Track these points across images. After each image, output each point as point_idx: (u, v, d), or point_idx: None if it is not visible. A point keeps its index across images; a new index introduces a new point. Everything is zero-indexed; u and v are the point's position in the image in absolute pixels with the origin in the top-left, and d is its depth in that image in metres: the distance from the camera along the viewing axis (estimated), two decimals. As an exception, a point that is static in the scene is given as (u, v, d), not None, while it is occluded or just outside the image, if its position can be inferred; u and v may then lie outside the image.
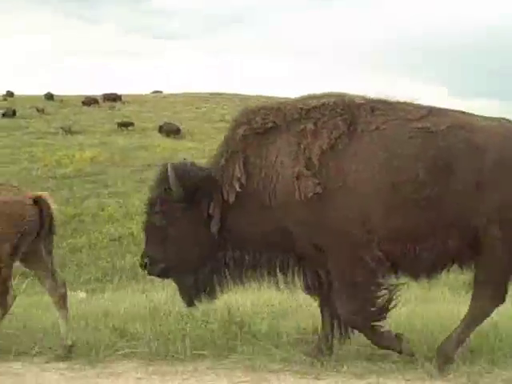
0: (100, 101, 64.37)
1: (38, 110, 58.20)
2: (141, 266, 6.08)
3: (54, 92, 68.60)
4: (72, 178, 37.18)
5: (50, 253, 6.30)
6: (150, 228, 6.03)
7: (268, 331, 6.03)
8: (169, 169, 5.82)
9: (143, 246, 6.10)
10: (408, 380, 5.09)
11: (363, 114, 5.70)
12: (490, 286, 5.44)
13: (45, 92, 68.23)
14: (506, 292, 5.54)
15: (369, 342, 5.62)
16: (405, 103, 5.89)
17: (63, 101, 65.13)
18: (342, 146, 5.53)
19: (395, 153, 5.43)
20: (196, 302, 6.00)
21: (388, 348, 5.58)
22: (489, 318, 5.57)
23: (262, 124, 5.81)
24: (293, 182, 5.50)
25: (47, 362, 5.66)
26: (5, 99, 65.02)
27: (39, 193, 6.32)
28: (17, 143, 45.94)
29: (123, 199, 32.68)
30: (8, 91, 69.39)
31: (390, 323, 5.72)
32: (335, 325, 5.83)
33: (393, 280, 5.75)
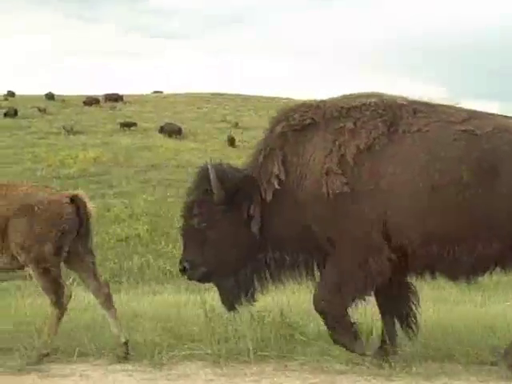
0: (101, 101, 64.29)
1: (39, 110, 58.08)
2: (180, 271, 6.00)
3: (54, 92, 68.53)
4: (76, 179, 37.09)
5: (90, 252, 6.28)
6: (188, 232, 5.98)
7: (321, 332, 5.96)
8: (210, 170, 5.79)
9: (182, 250, 6.04)
10: (481, 382, 5.08)
11: (405, 115, 5.69)
12: None
13: (44, 92, 68.21)
14: None
15: (432, 344, 5.65)
16: (446, 106, 5.91)
17: (64, 101, 65.05)
18: (380, 147, 5.52)
19: (438, 155, 5.41)
20: (237, 306, 5.95)
21: (344, 345, 5.57)
22: None
23: (300, 121, 5.82)
24: (321, 178, 5.51)
25: (110, 364, 5.63)
26: (6, 99, 64.88)
27: (75, 191, 6.35)
28: (19, 143, 45.86)
29: (128, 200, 32.66)
30: (9, 91, 69.24)
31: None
32: (398, 324, 5.82)
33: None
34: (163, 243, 27.05)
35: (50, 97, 66.86)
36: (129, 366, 5.54)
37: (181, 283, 22.99)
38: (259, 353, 5.70)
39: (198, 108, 63.25)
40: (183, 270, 6.00)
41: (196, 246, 5.89)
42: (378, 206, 5.39)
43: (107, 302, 6.17)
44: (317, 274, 5.79)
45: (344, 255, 5.45)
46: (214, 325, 6.20)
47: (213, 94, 69.39)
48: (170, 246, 26.56)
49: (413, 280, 5.85)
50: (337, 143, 5.59)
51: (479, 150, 5.42)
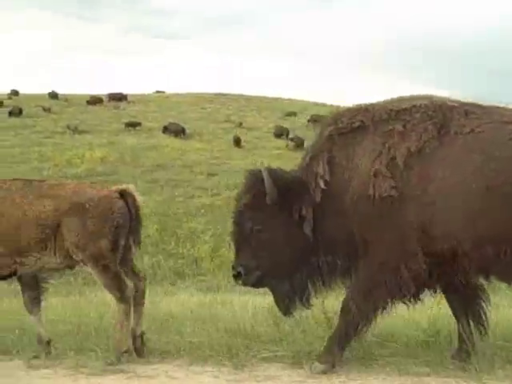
0: (105, 100, 64.25)
1: (44, 110, 58.04)
2: (234, 276, 5.95)
3: (56, 91, 68.48)
4: (83, 178, 37.04)
5: (131, 248, 6.28)
6: (240, 236, 5.96)
7: (395, 333, 5.97)
8: (263, 172, 5.81)
9: (235, 255, 6.02)
10: None
11: (456, 116, 5.69)
12: None
13: (46, 91, 68.18)
14: None
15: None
16: (498, 107, 5.91)
17: (68, 100, 65.00)
18: (431, 150, 5.49)
19: (493, 155, 5.38)
20: (292, 310, 5.94)
21: (332, 347, 5.54)
22: None
23: (349, 124, 5.83)
24: (369, 180, 5.49)
25: (191, 364, 5.61)
26: (10, 98, 64.82)
27: (124, 186, 6.34)
28: (25, 142, 45.81)
29: (137, 199, 32.62)
30: (12, 90, 69.16)
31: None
32: (474, 324, 5.78)
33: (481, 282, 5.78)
34: (173, 243, 27.10)
35: (53, 96, 66.80)
36: (209, 368, 5.52)
37: (192, 283, 23.08)
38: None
39: (201, 108, 63.21)
40: (238, 276, 5.95)
41: (249, 251, 5.87)
42: (423, 210, 5.36)
43: (140, 297, 6.20)
44: None
45: (378, 258, 5.43)
46: (282, 326, 6.20)
47: (216, 94, 69.39)
48: (180, 246, 26.60)
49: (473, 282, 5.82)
50: (386, 146, 5.58)
51: None
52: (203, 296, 11.24)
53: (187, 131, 51.64)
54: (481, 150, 5.46)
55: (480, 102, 5.95)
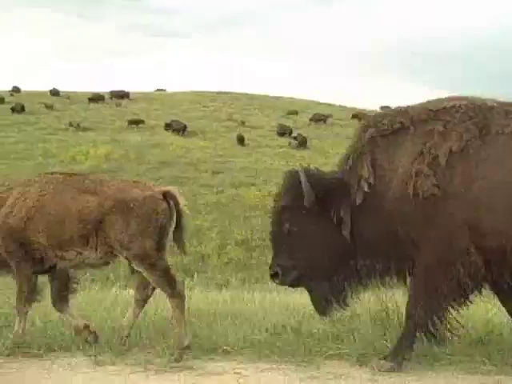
0: (107, 98, 64.25)
1: (46, 107, 58.05)
2: (271, 276, 5.94)
3: (58, 88, 68.40)
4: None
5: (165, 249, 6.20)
6: (278, 236, 5.96)
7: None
8: (300, 174, 5.81)
9: (272, 255, 6.02)
10: None
11: (496, 116, 5.72)
12: None
13: (47, 88, 68.13)
14: None
15: None
16: None
17: (69, 97, 64.98)
18: (473, 149, 5.53)
19: None
20: (329, 311, 5.94)
21: (399, 350, 5.55)
22: None
23: (390, 126, 5.82)
24: (410, 179, 5.50)
25: (256, 361, 5.60)
26: (11, 94, 64.76)
27: (167, 187, 6.30)
28: (29, 139, 45.87)
29: (143, 196, 32.72)
30: (14, 87, 69.10)
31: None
32: None
33: None
34: (180, 240, 27.17)
35: (54, 93, 66.77)
36: (274, 365, 5.51)
37: (200, 280, 23.11)
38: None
39: (203, 106, 63.23)
40: (275, 275, 5.98)
41: (287, 251, 5.89)
42: (468, 208, 5.40)
43: (143, 301, 6.23)
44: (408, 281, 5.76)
45: (431, 258, 5.45)
46: (338, 325, 6.20)
47: (218, 93, 69.42)
48: (188, 243, 26.68)
49: None
50: (427, 145, 5.61)
51: None
52: (218, 293, 11.16)
53: (190, 129, 51.73)
54: None
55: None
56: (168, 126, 51.20)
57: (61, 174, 6.47)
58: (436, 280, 5.46)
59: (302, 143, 49.68)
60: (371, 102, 68.82)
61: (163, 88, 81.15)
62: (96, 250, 6.04)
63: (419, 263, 5.54)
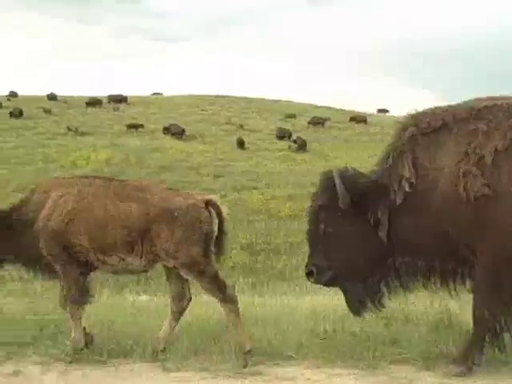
0: (105, 102, 64.15)
1: (45, 111, 57.90)
2: (307, 274, 5.96)
3: (54, 92, 68.26)
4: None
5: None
6: (314, 236, 5.98)
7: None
8: (335, 176, 5.80)
9: (308, 254, 6.01)
10: None
11: None
12: None
13: (44, 92, 68.06)
14: None
15: None
16: None
17: (67, 101, 64.86)
18: None
19: None
20: (364, 311, 5.93)
21: (468, 359, 5.50)
22: None
23: (430, 124, 5.80)
24: (458, 181, 5.48)
25: (323, 366, 5.55)
26: (9, 99, 64.58)
27: (209, 196, 6.32)
28: (29, 144, 45.68)
29: (146, 201, 32.64)
30: (11, 91, 68.95)
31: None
32: None
33: None
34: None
35: (52, 97, 66.65)
36: (339, 369, 5.46)
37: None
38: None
39: (202, 110, 63.20)
40: (310, 274, 5.99)
41: (322, 251, 5.90)
42: None
43: (179, 313, 6.21)
44: (451, 283, 5.77)
45: (491, 260, 5.41)
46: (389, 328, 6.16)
47: (216, 96, 69.43)
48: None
49: None
50: (472, 146, 5.59)
51: None
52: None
53: (188, 133, 51.67)
54: None
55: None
56: (166, 130, 51.14)
57: (99, 178, 6.45)
58: (498, 281, 5.42)
59: (302, 146, 49.69)
60: (370, 105, 69.08)
61: (160, 92, 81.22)
62: (141, 257, 6.02)
63: (478, 264, 5.51)
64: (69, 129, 50.78)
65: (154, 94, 79.49)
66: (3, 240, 6.26)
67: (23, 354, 5.96)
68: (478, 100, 6.08)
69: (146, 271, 6.29)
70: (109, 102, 64.39)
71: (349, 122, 62.28)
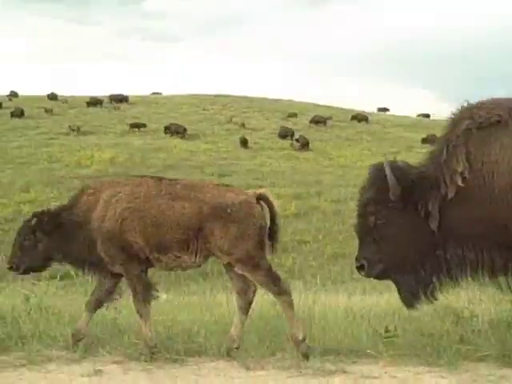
0: (106, 101, 64.07)
1: (46, 111, 57.84)
2: (357, 268, 5.95)
3: (54, 92, 68.17)
4: (95, 179, 37.07)
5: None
6: (364, 229, 5.92)
7: None
8: (386, 168, 5.76)
9: (358, 247, 5.92)
10: None
11: None
12: None
13: (44, 92, 67.95)
14: None
15: None
16: None
17: (67, 101, 64.79)
18: None
19: None
20: (417, 303, 5.88)
21: None
22: None
23: (487, 118, 5.74)
24: None
25: (393, 364, 5.54)
26: (10, 99, 64.48)
27: (260, 190, 6.31)
28: (32, 143, 45.66)
29: (153, 200, 32.64)
30: (12, 91, 68.85)
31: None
32: None
33: None
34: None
35: (52, 97, 66.56)
36: (423, 367, 5.43)
37: (215, 283, 23.05)
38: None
39: (203, 109, 63.21)
40: (361, 268, 5.99)
41: (373, 244, 5.85)
42: None
43: (246, 308, 6.16)
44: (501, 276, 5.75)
45: None
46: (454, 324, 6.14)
47: (216, 96, 69.41)
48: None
49: None
50: None
51: None
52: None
53: (191, 132, 51.66)
54: None
55: None
56: (167, 129, 51.10)
57: (150, 177, 6.45)
58: None
59: (305, 145, 49.76)
60: (369, 104, 69.16)
61: (159, 92, 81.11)
62: (196, 255, 6.02)
63: None
64: (71, 128, 50.76)
65: (154, 93, 79.40)
66: (53, 239, 6.28)
67: (94, 353, 5.95)
68: None
69: (199, 266, 6.25)
70: (110, 102, 64.31)
71: (350, 120, 62.36)
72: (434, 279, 5.85)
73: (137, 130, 52.11)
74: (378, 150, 51.97)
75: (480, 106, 6.04)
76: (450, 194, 5.71)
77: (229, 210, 5.95)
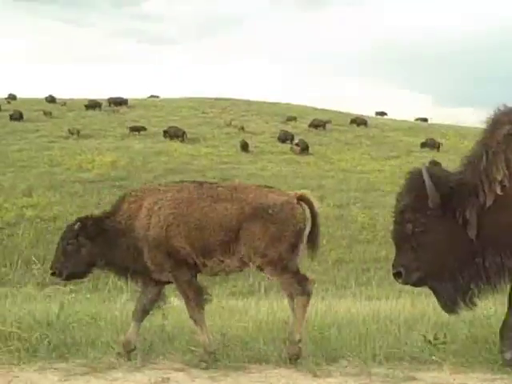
0: (105, 104, 63.86)
1: (45, 114, 57.66)
2: (394, 275, 5.91)
3: (52, 95, 67.94)
4: (97, 183, 37.01)
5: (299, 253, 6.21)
6: (401, 237, 5.91)
7: None
8: (425, 175, 5.73)
9: (395, 254, 5.96)
10: None
11: None
12: None
13: (42, 95, 67.72)
14: None
15: None
16: None
17: (66, 104, 64.57)
18: None
19: None
20: (457, 310, 5.90)
21: None
22: None
23: None
24: None
25: (455, 373, 5.53)
26: (8, 102, 64.23)
27: (301, 191, 6.32)
28: (32, 146, 45.51)
29: (156, 204, 32.60)
30: (10, 94, 68.56)
31: None
32: None
33: None
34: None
35: (50, 100, 66.32)
36: (488, 375, 5.41)
37: (225, 288, 22.96)
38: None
39: (202, 113, 63.08)
40: (398, 275, 5.97)
41: (410, 251, 5.84)
42: None
43: (302, 307, 6.05)
44: None
45: None
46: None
47: (216, 99, 69.29)
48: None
49: None
50: None
51: None
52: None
53: (191, 136, 51.57)
54: None
55: None
56: (166, 133, 50.99)
57: (191, 182, 6.46)
58: None
59: (305, 149, 49.76)
60: (366, 108, 69.18)
61: (156, 95, 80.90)
62: (232, 257, 6.04)
63: None
64: (70, 132, 50.60)
65: (152, 96, 79.21)
66: (96, 245, 6.27)
67: (150, 360, 5.95)
68: None
69: (240, 271, 6.30)
70: (109, 105, 64.13)
71: (349, 124, 62.39)
72: (473, 286, 5.85)
73: (137, 133, 51.97)
74: (377, 154, 52.06)
75: None
76: (489, 202, 5.67)
77: (270, 211, 5.97)
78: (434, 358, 5.80)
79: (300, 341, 5.86)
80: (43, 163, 40.99)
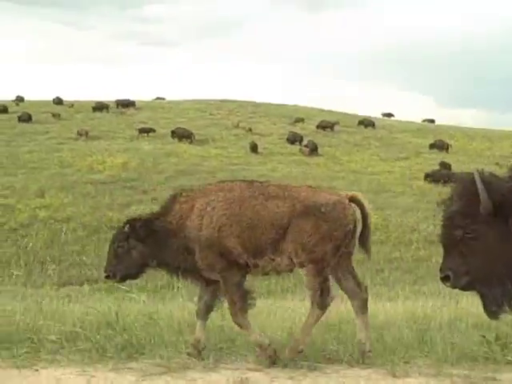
0: (112, 106, 63.93)
1: (53, 115, 57.76)
2: (442, 279, 5.98)
3: (59, 97, 68.05)
4: (109, 184, 37.05)
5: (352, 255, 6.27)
6: (450, 241, 5.82)
7: None
8: (477, 180, 5.67)
9: (443, 258, 5.99)
10: None
11: None
12: None
13: (49, 97, 67.84)
14: None
15: None
16: None
17: (73, 106, 64.67)
18: None
19: None
20: (500, 314, 5.96)
21: None
22: None
23: None
24: None
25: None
26: (17, 104, 64.35)
27: (353, 192, 6.33)
28: (43, 148, 45.60)
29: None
30: (18, 96, 68.68)
31: None
32: None
33: None
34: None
35: (58, 102, 66.42)
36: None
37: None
38: None
39: (210, 114, 63.15)
40: (446, 279, 5.99)
41: (459, 256, 5.77)
42: None
43: (363, 306, 6.17)
44: None
45: None
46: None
47: (222, 101, 69.37)
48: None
49: None
50: None
51: None
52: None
53: (199, 137, 51.64)
54: None
55: None
56: (174, 133, 51.05)
57: (241, 181, 6.47)
58: None
59: (314, 150, 49.80)
60: (372, 109, 69.15)
61: (162, 97, 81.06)
62: (281, 256, 6.04)
63: None
64: (79, 133, 50.69)
65: (158, 98, 79.35)
66: (146, 246, 6.26)
67: (222, 360, 5.95)
68: None
69: (291, 271, 6.26)
70: (117, 107, 64.20)
71: (357, 125, 62.44)
72: None
73: (146, 135, 52.05)
74: (386, 155, 52.11)
75: None
76: None
77: (323, 209, 6.00)
78: (509, 358, 5.79)
79: (302, 351, 5.88)
80: (54, 164, 41.05)
